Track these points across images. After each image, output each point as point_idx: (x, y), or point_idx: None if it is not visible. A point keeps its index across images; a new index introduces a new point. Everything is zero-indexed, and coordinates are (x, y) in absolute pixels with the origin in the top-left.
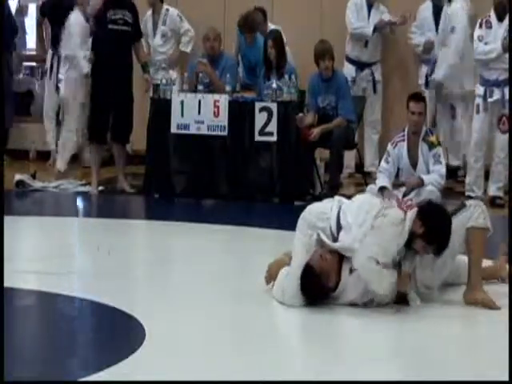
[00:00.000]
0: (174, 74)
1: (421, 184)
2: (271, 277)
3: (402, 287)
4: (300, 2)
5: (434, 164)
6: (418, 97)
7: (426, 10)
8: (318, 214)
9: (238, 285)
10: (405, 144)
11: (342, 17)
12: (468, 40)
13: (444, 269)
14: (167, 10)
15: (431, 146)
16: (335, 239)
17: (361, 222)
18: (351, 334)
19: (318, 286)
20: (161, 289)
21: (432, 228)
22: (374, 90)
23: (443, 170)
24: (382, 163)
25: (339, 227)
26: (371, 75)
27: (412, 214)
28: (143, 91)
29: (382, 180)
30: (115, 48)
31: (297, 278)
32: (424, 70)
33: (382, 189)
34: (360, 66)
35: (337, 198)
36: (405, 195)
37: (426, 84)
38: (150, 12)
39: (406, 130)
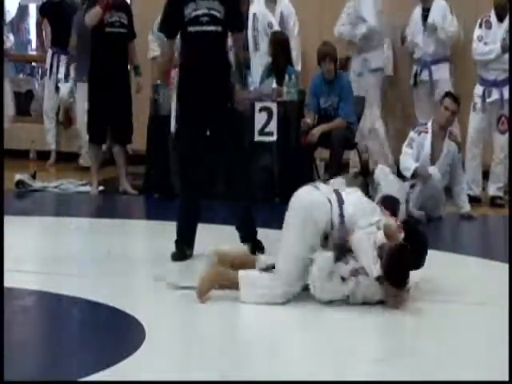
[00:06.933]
0: None
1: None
2: (202, 292)
3: None
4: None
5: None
6: (454, 97)
7: (416, 14)
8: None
9: None
10: (428, 136)
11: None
12: None
13: None
14: None
15: (459, 147)
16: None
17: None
18: (349, 333)
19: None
20: (161, 289)
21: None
22: None
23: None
24: (405, 148)
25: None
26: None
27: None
28: (142, 92)
29: (411, 161)
30: (112, 50)
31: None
32: (414, 69)
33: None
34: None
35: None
36: (411, 187)
37: (415, 83)
38: None
39: (430, 123)
